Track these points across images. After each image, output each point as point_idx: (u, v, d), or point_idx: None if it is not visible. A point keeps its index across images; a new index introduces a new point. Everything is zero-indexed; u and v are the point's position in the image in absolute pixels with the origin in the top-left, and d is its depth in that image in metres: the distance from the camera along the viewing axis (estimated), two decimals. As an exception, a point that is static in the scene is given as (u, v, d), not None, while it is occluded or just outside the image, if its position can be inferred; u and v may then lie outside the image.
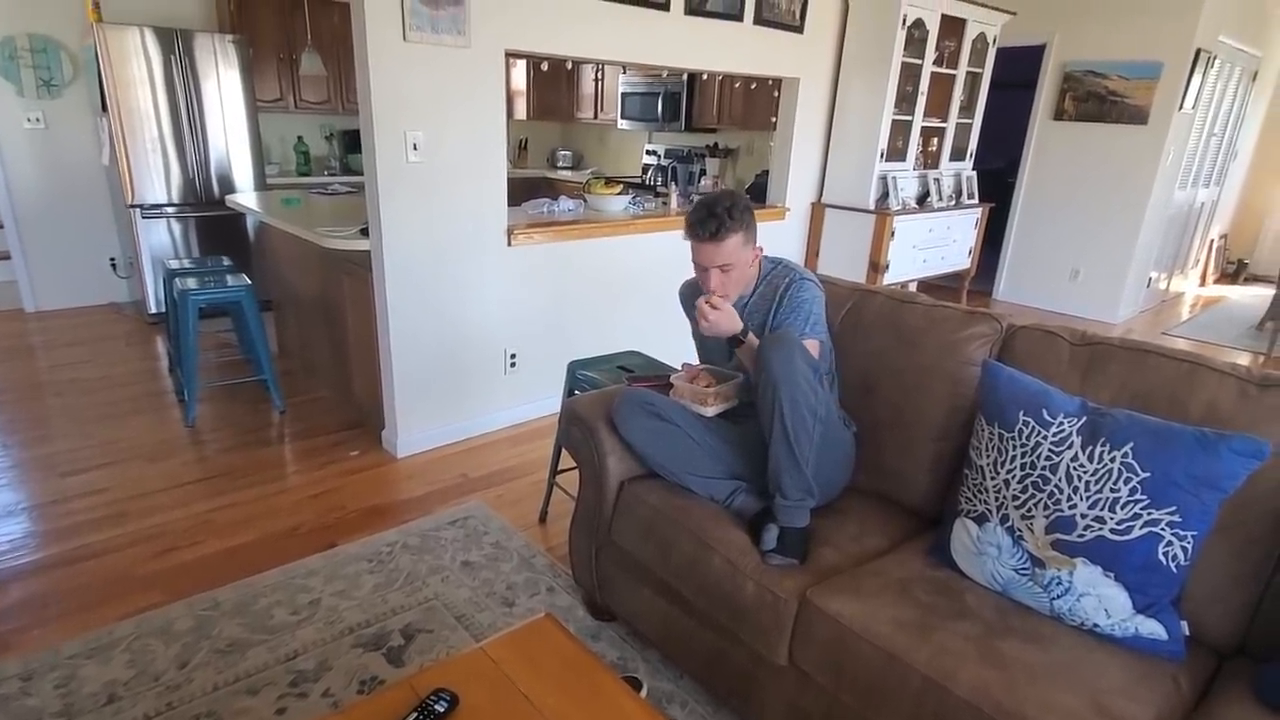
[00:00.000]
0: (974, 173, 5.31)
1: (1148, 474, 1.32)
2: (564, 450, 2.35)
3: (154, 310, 4.72)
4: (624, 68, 6.01)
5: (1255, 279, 7.80)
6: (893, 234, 4.47)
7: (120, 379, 3.83)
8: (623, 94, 6.13)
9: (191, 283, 3.33)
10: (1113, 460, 1.35)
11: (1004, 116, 5.99)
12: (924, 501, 1.85)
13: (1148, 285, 6.20)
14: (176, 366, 3.59)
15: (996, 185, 6.25)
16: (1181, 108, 5.38)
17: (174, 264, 3.75)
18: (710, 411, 1.83)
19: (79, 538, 2.43)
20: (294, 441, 3.20)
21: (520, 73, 6.70)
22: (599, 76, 6.39)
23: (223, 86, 4.72)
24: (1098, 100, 5.67)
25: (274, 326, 4.27)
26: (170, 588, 2.19)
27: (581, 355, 2.71)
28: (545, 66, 3.88)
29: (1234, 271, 7.89)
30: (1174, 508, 1.30)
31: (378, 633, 2.03)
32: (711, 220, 1.77)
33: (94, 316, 4.89)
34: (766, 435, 1.69)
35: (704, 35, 3.56)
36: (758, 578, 1.57)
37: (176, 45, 4.48)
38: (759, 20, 3.75)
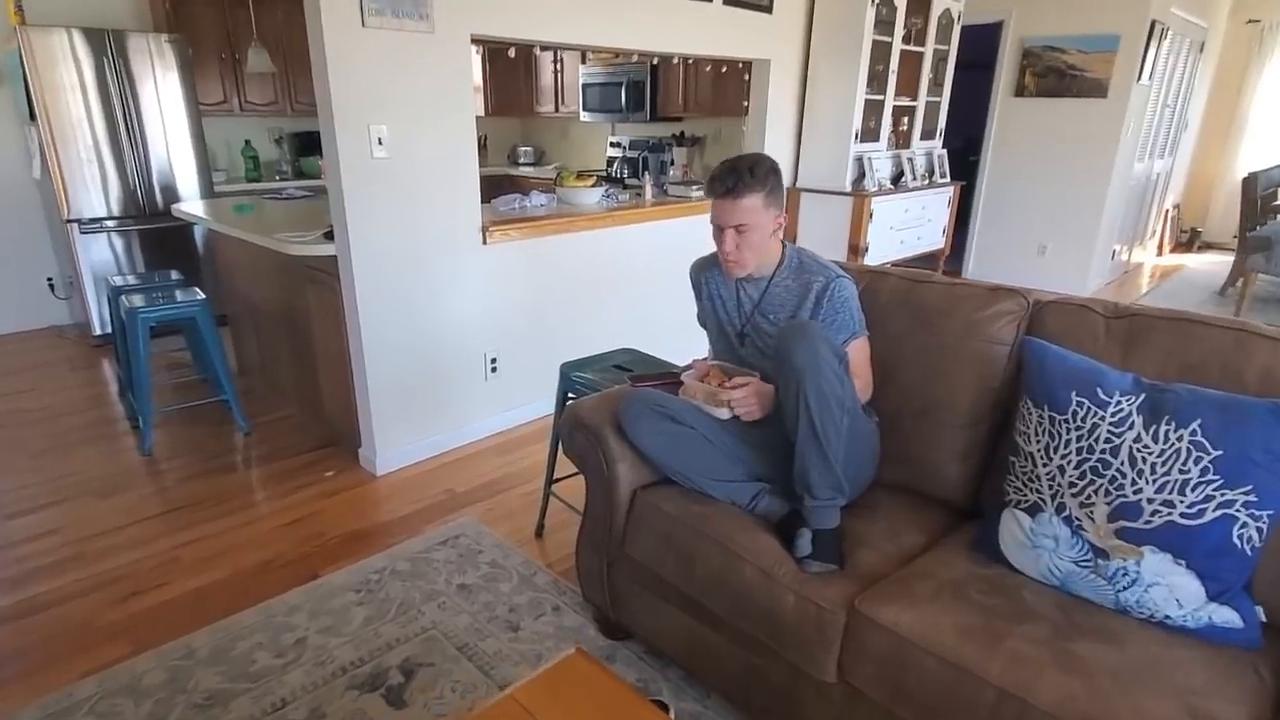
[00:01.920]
0: (944, 151, 5.28)
1: (1220, 452, 1.22)
2: (558, 458, 2.21)
3: (99, 332, 4.41)
4: (584, 57, 5.84)
5: (1208, 246, 7.98)
6: (871, 215, 4.40)
7: (66, 407, 3.55)
8: (583, 85, 5.96)
9: (139, 300, 3.08)
10: (1180, 439, 1.25)
11: (961, 96, 5.98)
12: (955, 492, 1.74)
13: (1111, 258, 6.27)
14: (128, 391, 3.33)
15: (957, 164, 6.24)
16: (1139, 79, 5.42)
17: (119, 281, 3.49)
18: (726, 414, 1.70)
19: (30, 587, 2.20)
20: (263, 465, 2.98)
21: (475, 66, 6.48)
22: (558, 68, 6.21)
23: (161, 90, 4.43)
24: (1057, 75, 5.69)
25: (232, 343, 4.02)
26: (136, 637, 1.98)
27: (565, 355, 2.56)
28: (512, 52, 3.69)
29: (1188, 240, 8.06)
30: (1250, 486, 1.21)
31: (373, 671, 1.86)
32: (731, 175, 1.67)
33: (33, 341, 4.56)
34: (791, 432, 1.57)
35: (674, 17, 3.43)
36: (797, 588, 1.45)
37: (109, 47, 4.18)
38: (728, 1, 3.63)
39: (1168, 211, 7.64)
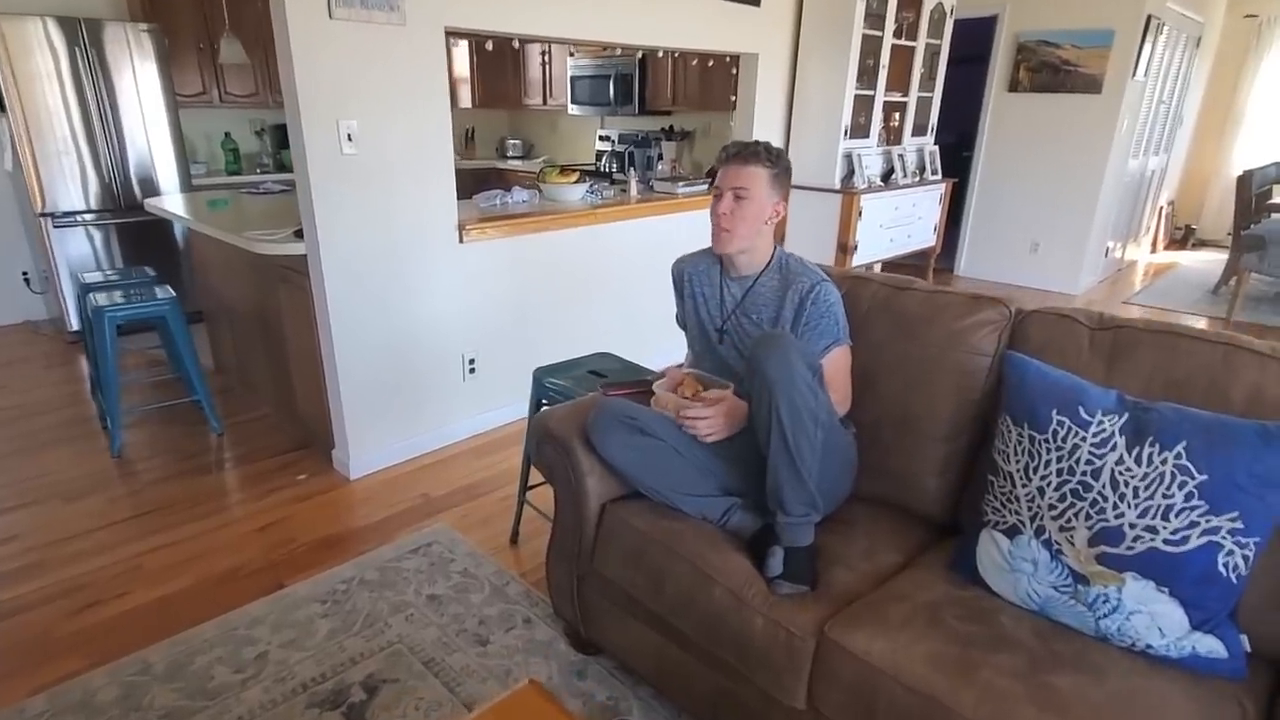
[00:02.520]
0: (936, 148, 5.21)
1: (1205, 476, 1.17)
2: (531, 465, 2.15)
3: (75, 328, 4.33)
4: (572, 50, 5.75)
5: (1203, 244, 7.93)
6: (860, 213, 4.34)
7: (38, 406, 3.48)
8: (572, 77, 5.87)
9: (108, 297, 3.01)
10: (1164, 462, 1.20)
11: (954, 90, 5.91)
12: (935, 507, 1.69)
13: (1105, 255, 6.22)
14: (99, 390, 3.26)
15: (950, 160, 6.18)
16: (1134, 75, 5.36)
17: (90, 277, 3.40)
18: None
19: (-14, 596, 2.14)
20: (234, 467, 2.92)
21: (463, 58, 6.38)
22: (546, 60, 6.11)
23: (139, 81, 4.33)
24: (1052, 70, 5.62)
25: (208, 340, 3.94)
26: (92, 650, 1.92)
27: (545, 356, 2.50)
28: (490, 46, 3.61)
29: (1182, 237, 8.02)
30: (1235, 513, 1.16)
31: (335, 688, 1.80)
32: (746, 145, 1.71)
33: (8, 337, 4.48)
34: (763, 445, 1.51)
35: (657, 9, 3.35)
36: (767, 611, 1.39)
37: (81, 36, 4.08)
38: (715, -7, 3.56)
39: (1162, 208, 7.59)
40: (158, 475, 2.84)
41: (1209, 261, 7.06)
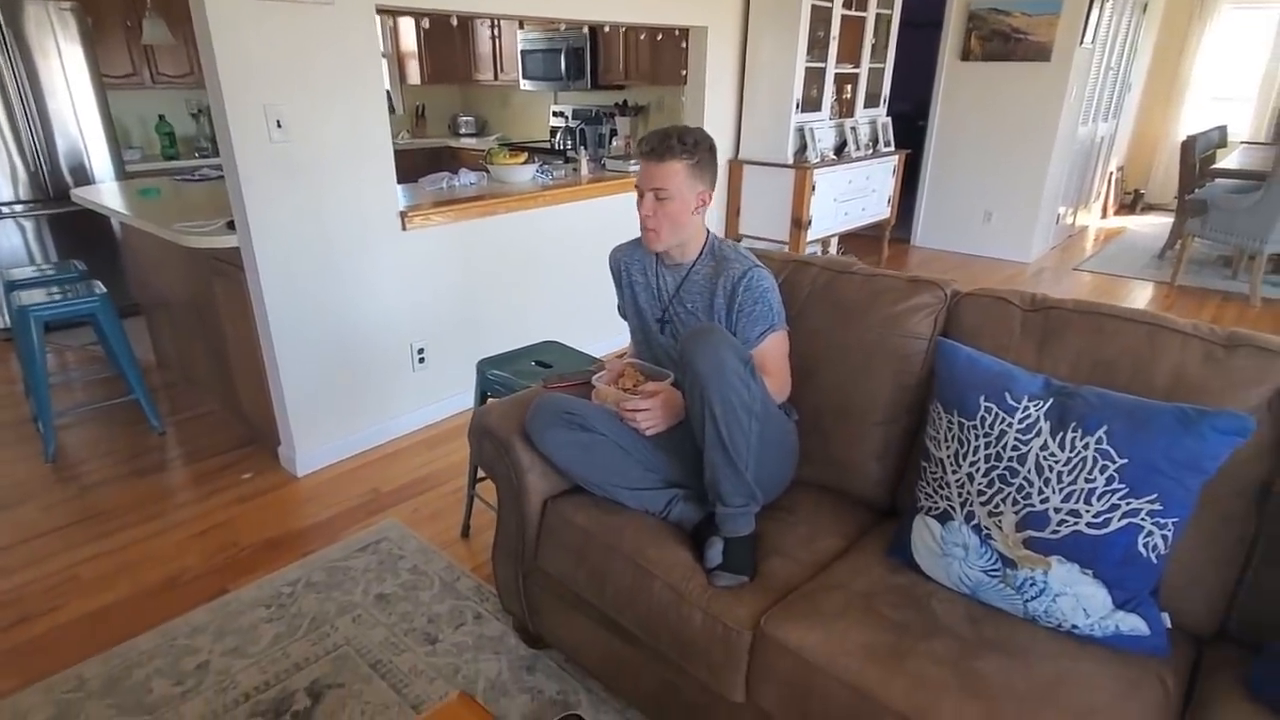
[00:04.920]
0: (889, 119, 5.20)
1: (1125, 460, 1.18)
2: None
3: (5, 325, 4.15)
4: (521, 22, 5.60)
5: (1151, 208, 8.09)
6: (813, 188, 4.32)
7: (-33, 409, 3.34)
8: (522, 51, 5.74)
9: (34, 295, 2.88)
10: (1086, 447, 1.21)
11: (911, 58, 5.90)
12: (875, 491, 1.70)
13: (1056, 222, 6.31)
14: (30, 392, 3.13)
15: (906, 130, 6.19)
16: (1082, 42, 5.39)
17: (16, 273, 3.26)
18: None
19: (-91, 616, 2.05)
20: (176, 468, 2.84)
21: (410, 32, 6.19)
22: (496, 33, 5.95)
23: (64, 62, 4.11)
24: (1002, 39, 5.63)
25: (148, 334, 3.81)
26: (23, 669, 1.86)
27: (497, 344, 2.45)
28: (426, 23, 3.48)
29: (1131, 202, 8.16)
30: (1154, 495, 1.18)
31: (279, 696, 1.77)
32: (659, 138, 1.64)
33: (-65, 337, 4.28)
34: (699, 439, 1.50)
35: (602, -17, 3.26)
36: (705, 606, 1.39)
37: (-3, 16, 3.85)
38: (660, -35, 3.48)
39: (1111, 174, 7.71)
40: (94, 479, 2.74)
41: (1157, 226, 7.20)
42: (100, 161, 4.36)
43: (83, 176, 4.29)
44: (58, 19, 4.05)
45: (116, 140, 4.42)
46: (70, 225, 4.29)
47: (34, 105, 4.06)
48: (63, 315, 2.85)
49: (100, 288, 2.96)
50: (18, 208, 4.15)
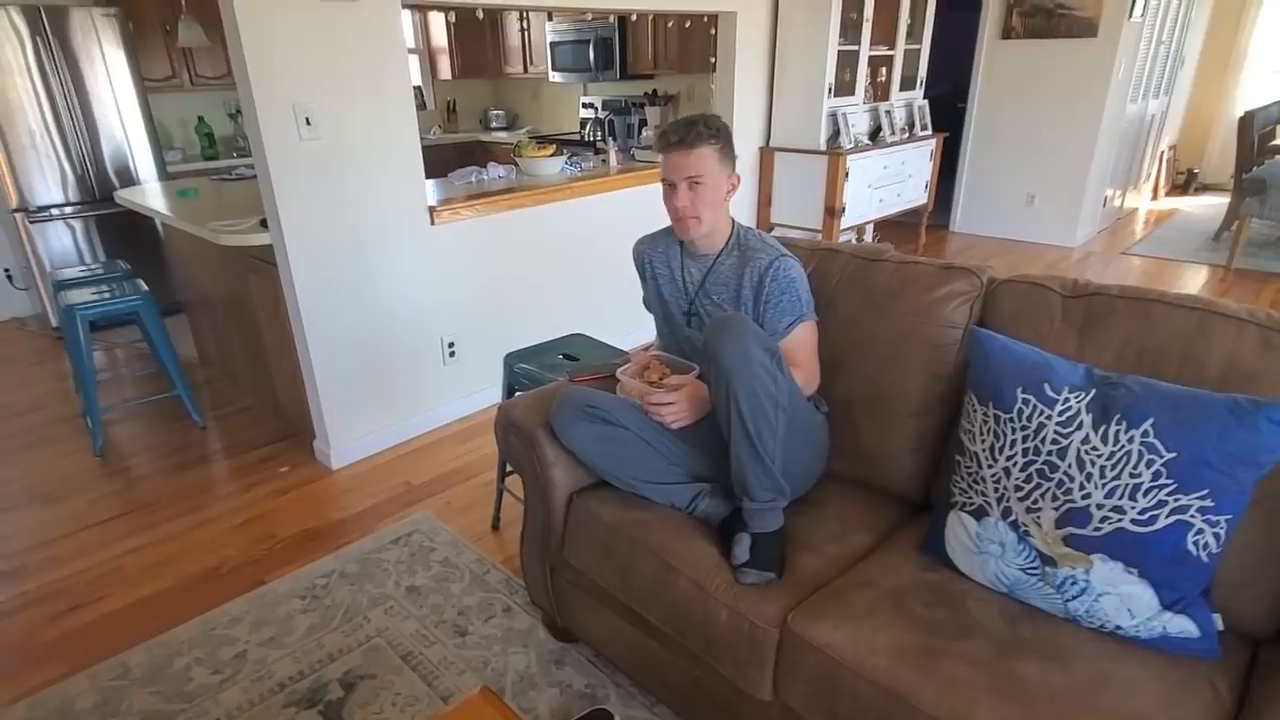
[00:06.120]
0: (925, 102, 5.07)
1: (1173, 454, 1.12)
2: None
3: (57, 324, 4.30)
4: (549, 14, 5.59)
5: (1205, 188, 7.76)
6: (847, 174, 4.23)
7: (24, 405, 3.46)
8: (551, 43, 5.72)
9: (80, 294, 2.96)
10: (1130, 440, 1.15)
11: (947, 39, 5.73)
12: (908, 485, 1.65)
13: (1104, 205, 6.09)
14: (78, 389, 3.24)
15: (945, 112, 6.02)
16: (1131, 16, 5.17)
17: (64, 273, 3.36)
18: (663, 415, 1.59)
19: (-35, 605, 2.14)
20: (216, 462, 2.90)
21: (439, 27, 6.22)
22: (525, 26, 5.95)
23: (108, 67, 4.23)
24: (1045, 15, 5.44)
25: (190, 331, 3.91)
26: (71, 657, 1.92)
27: (527, 336, 2.45)
28: (452, 16, 3.50)
29: (1184, 182, 7.84)
30: (1205, 491, 1.12)
31: (313, 685, 1.80)
32: (684, 126, 1.60)
33: (-6, 335, 4.46)
34: (725, 432, 1.47)
35: (628, -29, 3.22)
36: (731, 602, 1.36)
37: (43, 24, 3.97)
38: (687, -50, 3.42)
39: (1163, 153, 7.41)
40: (139, 473, 2.82)
41: (1211, 207, 6.90)
42: (144, 163, 4.48)
43: (127, 178, 4.41)
44: (101, 24, 4.16)
45: (158, 142, 4.54)
46: (116, 226, 4.42)
47: (80, 110, 4.18)
48: (106, 314, 2.93)
49: (142, 286, 3.04)
50: (67, 210, 4.28)
